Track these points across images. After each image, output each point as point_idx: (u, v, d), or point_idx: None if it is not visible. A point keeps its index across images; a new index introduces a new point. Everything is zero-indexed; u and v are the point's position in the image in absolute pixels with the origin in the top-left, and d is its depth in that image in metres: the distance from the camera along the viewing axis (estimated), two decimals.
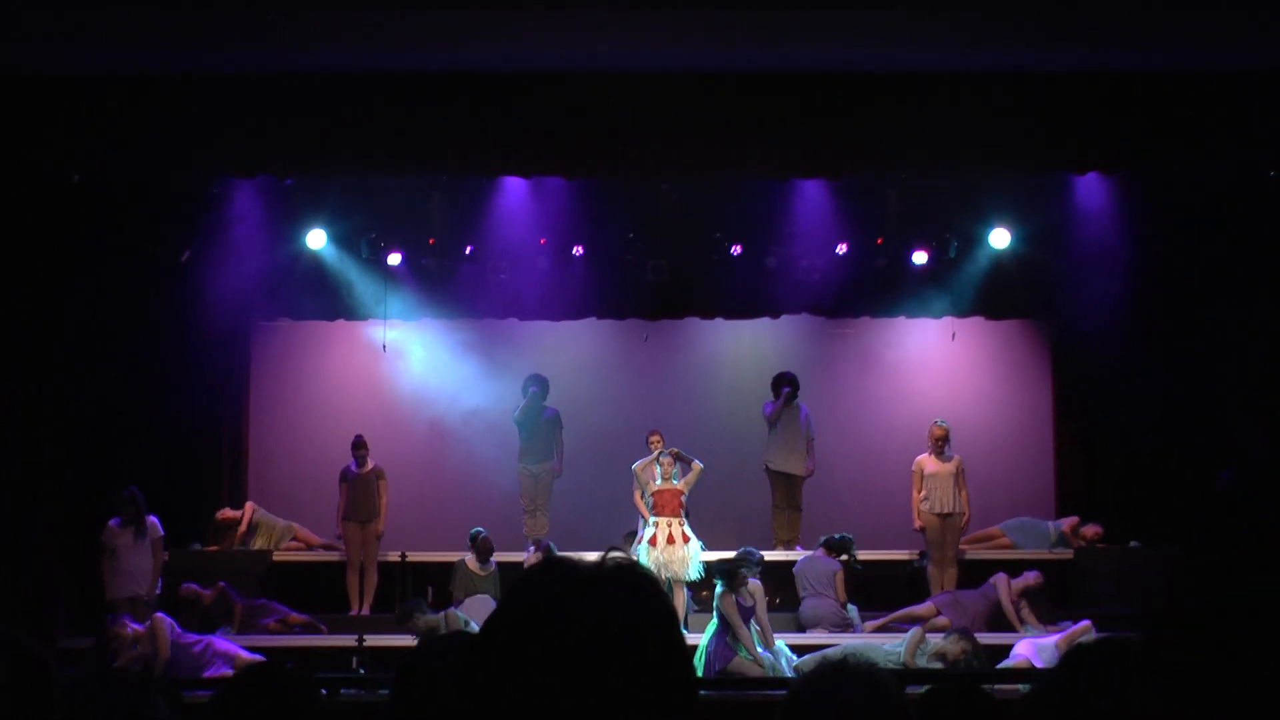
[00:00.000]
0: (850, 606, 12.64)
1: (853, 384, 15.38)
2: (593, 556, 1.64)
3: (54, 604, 12.08)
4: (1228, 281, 12.78)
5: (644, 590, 1.57)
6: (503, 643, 1.53)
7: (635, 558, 11.88)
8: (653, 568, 12.00)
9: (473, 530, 12.69)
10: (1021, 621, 12.25)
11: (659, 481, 12.64)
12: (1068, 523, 13.87)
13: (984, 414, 15.07)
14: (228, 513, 14.01)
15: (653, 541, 12.35)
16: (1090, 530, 13.73)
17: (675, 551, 12.27)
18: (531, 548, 12.50)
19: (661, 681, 1.52)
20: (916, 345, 15.42)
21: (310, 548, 14.05)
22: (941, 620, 12.17)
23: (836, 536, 12.99)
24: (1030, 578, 12.51)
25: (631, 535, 13.50)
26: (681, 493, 12.57)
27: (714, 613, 11.17)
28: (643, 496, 12.81)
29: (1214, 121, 11.16)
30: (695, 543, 12.42)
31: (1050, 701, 1.99)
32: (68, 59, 10.75)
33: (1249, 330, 12.58)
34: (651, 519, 12.50)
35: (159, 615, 11.37)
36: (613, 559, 1.60)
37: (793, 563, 12.92)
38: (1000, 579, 12.46)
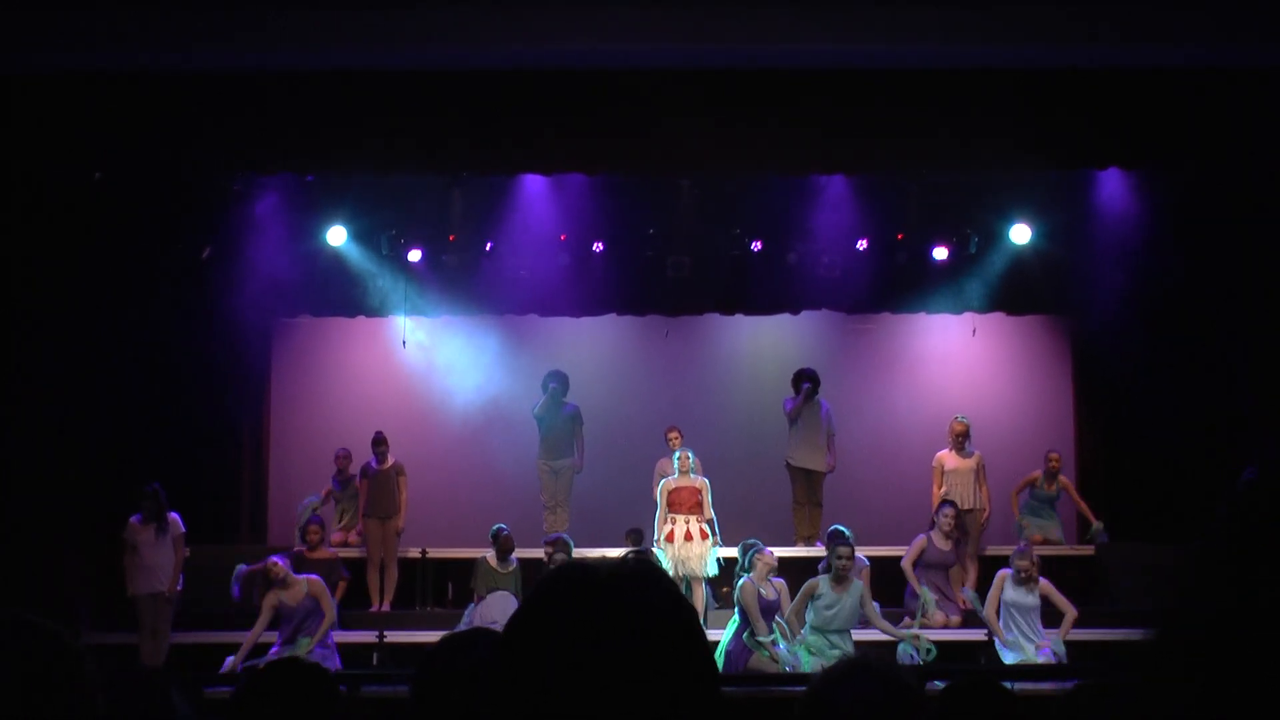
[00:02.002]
0: (873, 604, 12.58)
1: (873, 380, 15.36)
2: (614, 553, 1.65)
3: (78, 600, 12.14)
4: (1249, 277, 12.71)
5: (663, 588, 1.57)
6: (525, 642, 1.54)
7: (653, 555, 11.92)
8: (670, 564, 11.98)
9: (494, 527, 12.67)
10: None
11: (675, 476, 12.62)
12: (1035, 477, 13.85)
13: (1004, 409, 15.04)
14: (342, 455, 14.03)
15: (669, 538, 12.34)
16: (1054, 459, 13.76)
17: (693, 549, 12.24)
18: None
19: (684, 679, 1.52)
20: (937, 341, 15.40)
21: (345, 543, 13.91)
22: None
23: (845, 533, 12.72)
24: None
25: (635, 533, 13.43)
26: (699, 490, 12.54)
27: (735, 607, 11.11)
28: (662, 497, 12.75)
29: (1235, 117, 11.10)
30: (712, 539, 12.41)
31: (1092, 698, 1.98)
32: (88, 57, 10.78)
33: (1270, 326, 12.51)
34: (669, 515, 12.48)
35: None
36: (634, 558, 1.61)
37: (814, 559, 12.86)
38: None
